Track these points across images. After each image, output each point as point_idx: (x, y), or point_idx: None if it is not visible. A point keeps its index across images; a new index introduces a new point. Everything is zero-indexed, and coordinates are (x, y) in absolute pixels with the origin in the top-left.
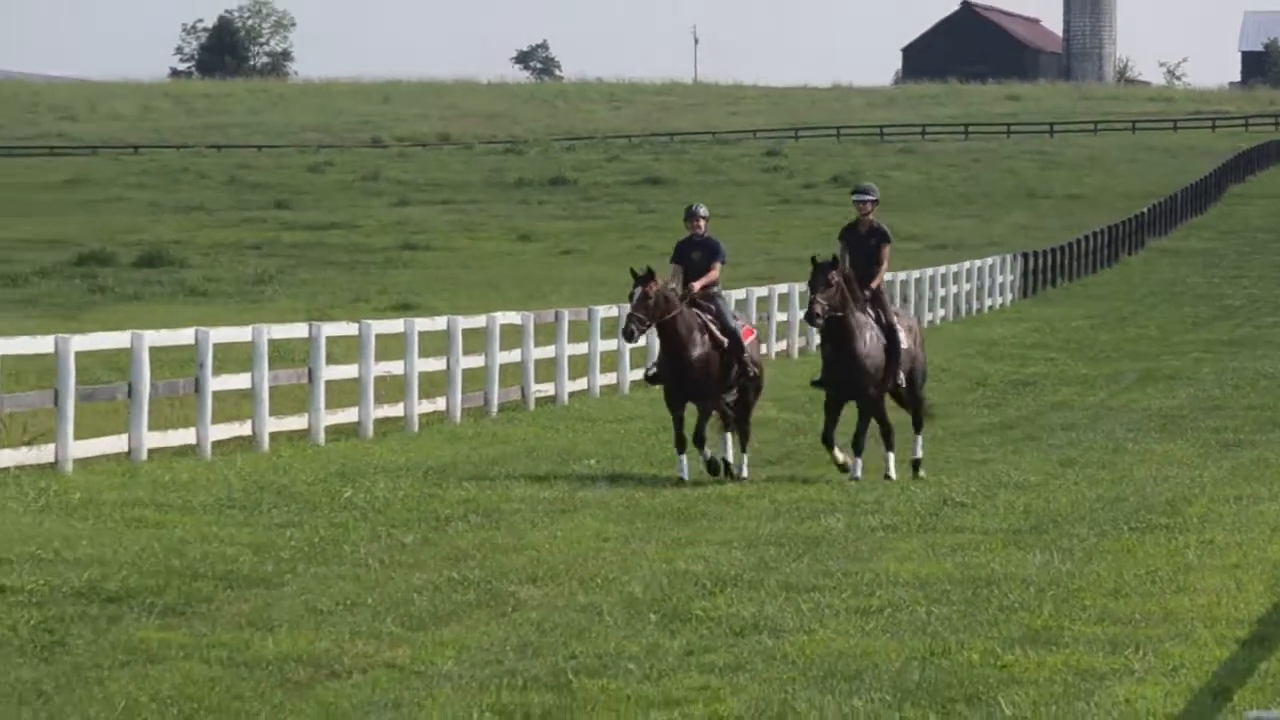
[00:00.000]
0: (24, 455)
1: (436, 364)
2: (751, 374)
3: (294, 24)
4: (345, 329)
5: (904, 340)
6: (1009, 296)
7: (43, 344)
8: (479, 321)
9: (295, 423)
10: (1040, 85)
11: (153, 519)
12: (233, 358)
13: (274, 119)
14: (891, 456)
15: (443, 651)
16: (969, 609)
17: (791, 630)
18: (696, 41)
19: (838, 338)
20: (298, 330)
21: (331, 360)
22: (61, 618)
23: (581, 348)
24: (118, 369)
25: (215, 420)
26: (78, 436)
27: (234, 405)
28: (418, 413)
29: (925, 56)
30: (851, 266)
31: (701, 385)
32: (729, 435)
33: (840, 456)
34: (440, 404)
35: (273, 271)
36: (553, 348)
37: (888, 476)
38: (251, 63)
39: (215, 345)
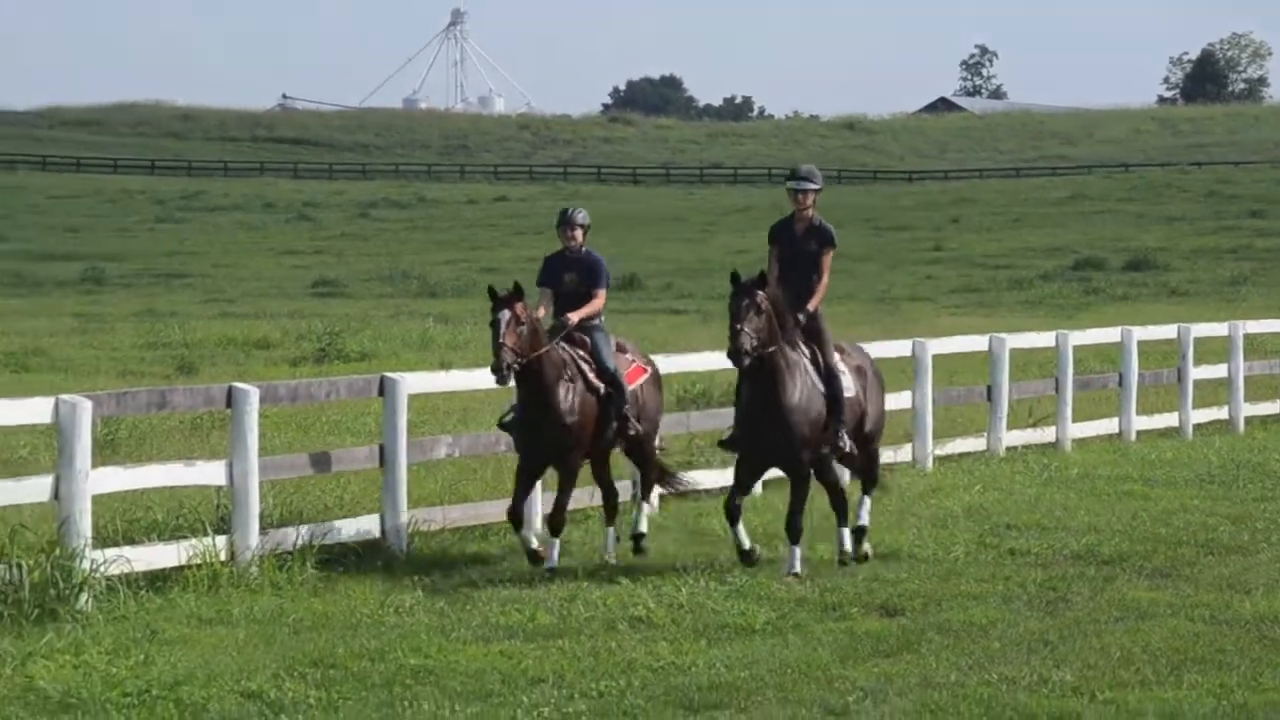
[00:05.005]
0: (1030, 435)
1: None
2: (633, 432)
3: (1270, 53)
4: None
5: (850, 386)
6: None
7: (1045, 339)
8: None
9: (1268, 408)
10: None
11: (1139, 492)
12: (1210, 350)
13: (1250, 137)
14: (846, 532)
15: None
16: None
17: None
18: None
19: (759, 382)
20: (1270, 326)
21: None
22: (1063, 577)
23: None
24: (1109, 360)
25: (1195, 405)
26: (1075, 419)
27: (1211, 392)
28: None
29: None
30: (783, 276)
31: (566, 446)
32: (644, 504)
33: (744, 539)
34: None
35: (1247, 274)
36: None
37: (843, 558)
38: (1230, 89)
39: (1195, 339)
